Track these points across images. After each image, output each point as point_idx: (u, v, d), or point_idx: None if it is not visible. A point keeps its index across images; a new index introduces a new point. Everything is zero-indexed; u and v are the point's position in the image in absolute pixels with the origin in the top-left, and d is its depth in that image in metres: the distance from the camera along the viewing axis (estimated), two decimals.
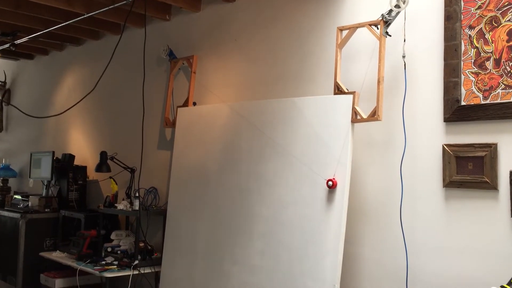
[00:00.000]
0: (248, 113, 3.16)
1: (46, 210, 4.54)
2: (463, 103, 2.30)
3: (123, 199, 3.98)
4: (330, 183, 2.54)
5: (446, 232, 2.33)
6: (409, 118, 2.48)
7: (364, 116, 2.54)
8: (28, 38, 4.51)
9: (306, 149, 2.76)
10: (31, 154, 5.02)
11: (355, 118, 2.57)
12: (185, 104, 3.70)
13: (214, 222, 3.22)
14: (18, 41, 4.61)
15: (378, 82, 2.49)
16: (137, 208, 3.72)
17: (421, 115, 2.45)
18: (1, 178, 5.68)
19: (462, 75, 2.31)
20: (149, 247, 3.77)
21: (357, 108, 2.57)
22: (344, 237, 2.52)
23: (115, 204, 3.98)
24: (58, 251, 4.22)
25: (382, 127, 2.60)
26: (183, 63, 3.85)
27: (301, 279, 2.64)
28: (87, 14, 3.91)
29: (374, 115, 2.50)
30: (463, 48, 2.32)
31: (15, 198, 4.98)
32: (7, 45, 4.64)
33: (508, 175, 2.16)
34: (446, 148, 2.33)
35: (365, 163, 2.67)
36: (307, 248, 2.65)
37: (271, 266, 2.80)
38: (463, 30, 2.32)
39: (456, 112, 2.31)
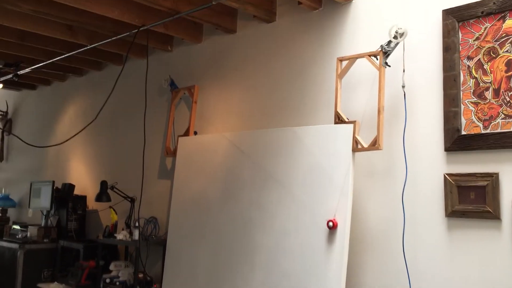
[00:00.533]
0: (249, 143, 3.17)
1: (44, 240, 4.49)
2: (463, 132, 2.31)
3: (122, 229, 3.95)
4: (331, 223, 2.53)
5: (449, 262, 2.31)
6: (410, 147, 2.49)
7: (365, 145, 2.55)
8: (31, 69, 4.57)
9: (307, 178, 2.76)
10: (31, 184, 5.01)
11: (356, 147, 2.58)
12: (186, 133, 3.72)
13: (215, 252, 3.18)
14: (21, 72, 4.67)
15: (378, 111, 2.51)
16: (136, 238, 3.69)
17: (422, 144, 2.46)
18: (0, 208, 5.65)
19: (461, 104, 2.33)
20: (149, 278, 3.72)
21: (358, 137, 2.58)
22: (346, 264, 2.50)
23: (115, 234, 3.94)
24: (56, 282, 4.16)
25: (383, 156, 2.61)
26: (184, 93, 3.89)
27: None
28: (90, 45, 3.98)
29: (375, 144, 2.51)
30: (462, 78, 2.35)
31: (13, 228, 4.94)
32: (10, 76, 4.69)
33: (511, 205, 2.15)
34: (448, 177, 2.33)
35: (366, 191, 2.67)
36: (309, 278, 2.61)
37: None
38: (462, 60, 2.35)
39: (456, 141, 2.32)
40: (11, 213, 5.78)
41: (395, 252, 2.49)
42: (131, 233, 3.82)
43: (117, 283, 3.75)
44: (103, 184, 4.13)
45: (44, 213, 4.80)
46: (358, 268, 2.63)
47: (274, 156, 2.97)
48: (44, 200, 4.72)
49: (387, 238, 2.54)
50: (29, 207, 5.00)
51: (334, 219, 2.53)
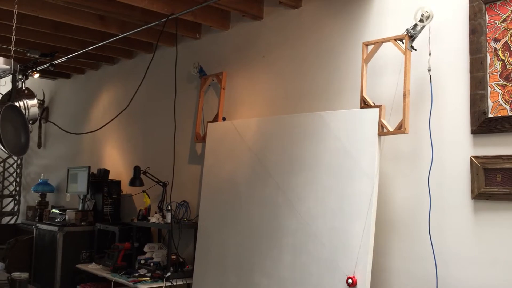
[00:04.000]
0: (276, 128, 3.23)
1: (82, 223, 4.69)
2: (490, 115, 2.31)
3: (155, 213, 4.09)
4: (350, 281, 2.53)
5: (475, 244, 2.33)
6: (436, 130, 2.50)
7: (391, 129, 2.57)
8: (66, 58, 4.72)
9: (334, 163, 2.80)
10: (68, 170, 5.21)
11: (382, 131, 2.60)
12: (215, 119, 3.80)
13: (244, 234, 3.28)
14: (57, 61, 4.83)
15: (404, 95, 2.53)
16: (169, 221, 3.82)
17: (448, 127, 2.46)
18: (40, 193, 5.90)
19: (488, 87, 2.32)
20: (181, 260, 3.85)
21: (384, 121, 2.60)
22: (372, 249, 2.55)
23: (148, 218, 4.09)
24: (93, 263, 4.35)
25: (409, 140, 2.62)
26: (213, 80, 3.96)
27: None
28: (121, 34, 4.09)
29: (400, 128, 2.53)
30: (488, 60, 2.33)
31: (52, 212, 5.17)
32: (46, 65, 4.87)
33: None
34: (474, 160, 2.33)
35: (392, 175, 2.69)
36: (336, 260, 2.67)
37: (301, 279, 2.84)
38: (488, 43, 2.33)
39: (483, 124, 2.31)
40: (50, 197, 6.03)
41: (421, 235, 2.51)
42: (163, 217, 3.95)
43: (151, 264, 3.90)
44: (136, 169, 4.27)
45: (81, 198, 5.00)
46: (384, 251, 2.67)
47: (300, 141, 3.03)
48: (81, 185, 4.92)
49: (413, 221, 2.57)
50: (66, 191, 5.22)
51: (354, 276, 2.52)
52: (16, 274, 2.47)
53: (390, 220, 2.68)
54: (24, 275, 2.48)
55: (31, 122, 2.99)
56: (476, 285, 2.30)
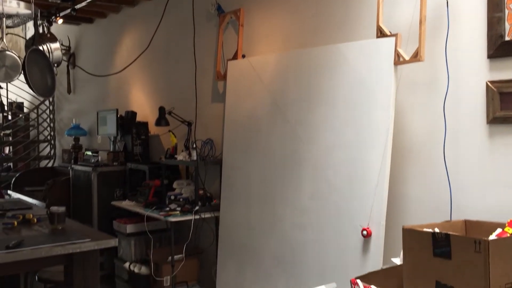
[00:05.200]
0: (294, 62, 3.25)
1: (114, 163, 4.91)
2: (507, 38, 2.26)
3: (182, 151, 4.24)
4: (365, 232, 2.63)
5: (490, 168, 2.36)
6: (452, 56, 2.48)
7: (407, 58, 2.57)
8: (87, 2, 4.76)
9: (351, 95, 2.83)
10: (97, 113, 5.39)
11: (398, 60, 2.60)
12: (235, 57, 3.83)
13: (266, 168, 3.39)
14: (78, 6, 4.88)
15: (420, 22, 2.49)
16: (195, 158, 3.96)
17: (465, 52, 2.44)
18: (73, 137, 6.15)
19: (506, 9, 2.27)
20: (208, 194, 4.03)
21: (400, 50, 2.59)
22: (388, 176, 2.62)
23: (175, 156, 4.25)
24: (127, 200, 4.60)
25: (425, 68, 2.61)
26: (231, 17, 3.95)
27: (348, 218, 2.78)
28: None
29: (416, 56, 2.52)
30: None
31: (86, 154, 5.41)
32: (68, 10, 4.93)
33: None
34: (490, 85, 2.32)
35: (408, 104, 2.71)
36: (354, 189, 2.77)
37: (320, 207, 2.96)
38: None
39: (500, 47, 2.28)
40: (83, 141, 6.28)
41: (436, 162, 2.56)
42: (190, 154, 4.09)
43: (181, 200, 4.09)
44: (161, 110, 4.39)
45: (112, 139, 5.19)
46: (400, 179, 2.74)
47: (318, 74, 3.05)
48: (110, 127, 5.10)
49: (428, 149, 2.61)
50: (97, 134, 5.42)
51: (368, 227, 2.62)
52: (54, 208, 2.66)
53: (406, 149, 2.72)
54: (62, 208, 2.66)
55: (55, 65, 3.09)
56: (490, 210, 2.36)
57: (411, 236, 1.52)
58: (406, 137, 2.72)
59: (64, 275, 2.46)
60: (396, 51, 2.60)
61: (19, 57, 2.65)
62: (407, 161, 2.72)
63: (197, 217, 3.83)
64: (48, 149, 7.14)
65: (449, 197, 2.49)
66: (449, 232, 1.45)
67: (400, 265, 1.92)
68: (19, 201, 3.66)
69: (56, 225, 2.65)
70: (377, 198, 2.63)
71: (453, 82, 2.48)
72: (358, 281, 1.63)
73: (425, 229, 1.52)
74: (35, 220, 2.83)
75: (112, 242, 2.48)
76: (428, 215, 2.59)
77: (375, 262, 2.60)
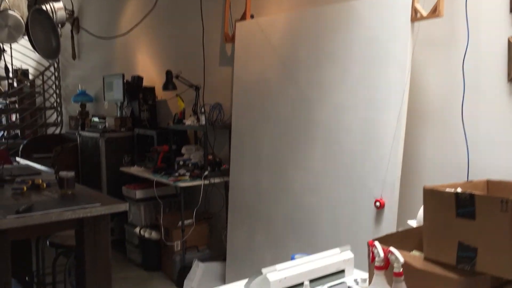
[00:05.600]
0: (305, 21, 3.13)
1: (121, 129, 4.87)
2: None
3: (190, 116, 4.18)
4: (378, 203, 2.57)
5: (509, 128, 2.28)
6: (473, 11, 2.36)
7: (425, 14, 2.45)
8: None
9: (365, 53, 2.73)
10: (103, 78, 5.31)
11: (415, 16, 2.48)
12: (243, 17, 3.71)
13: (277, 131, 3.33)
14: None
15: None
16: (203, 123, 3.90)
17: (485, 7, 2.32)
18: (80, 103, 6.10)
19: None
20: (217, 159, 3.99)
21: (417, 5, 2.48)
22: (403, 139, 2.55)
23: (183, 121, 4.19)
24: (135, 165, 4.57)
25: (443, 24, 2.50)
26: None
27: (362, 181, 2.72)
28: None
29: (435, 12, 2.41)
30: None
31: (93, 120, 5.36)
32: None
33: None
34: None
35: (426, 62, 2.61)
36: (368, 151, 2.70)
37: (333, 170, 2.90)
38: None
39: None
40: (89, 107, 6.23)
41: (454, 122, 2.48)
42: (198, 119, 4.03)
43: (190, 165, 4.06)
44: (168, 74, 4.31)
45: (118, 105, 5.13)
46: (415, 141, 2.67)
47: (330, 33, 2.94)
48: (117, 93, 5.03)
49: (446, 108, 2.53)
50: (104, 100, 5.36)
51: (381, 199, 2.57)
52: (63, 173, 2.63)
53: (422, 110, 2.64)
54: (71, 173, 2.63)
55: (59, 25, 3.00)
56: (508, 170, 2.30)
57: (433, 197, 1.47)
58: (422, 97, 2.64)
59: (75, 240, 2.45)
60: (413, 6, 2.48)
61: (21, 17, 2.56)
62: (423, 122, 2.64)
63: (206, 182, 3.80)
64: (54, 116, 7.11)
65: (466, 158, 2.42)
66: (473, 192, 1.39)
67: (417, 228, 1.87)
68: (28, 167, 3.64)
69: (66, 190, 2.62)
70: (392, 162, 2.57)
71: (473, 39, 2.37)
72: (376, 243, 1.58)
73: (447, 189, 1.46)
74: (45, 185, 2.81)
75: (123, 207, 2.45)
76: (444, 177, 2.53)
77: (389, 223, 2.56)
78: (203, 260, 3.84)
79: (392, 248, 1.54)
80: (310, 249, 3.02)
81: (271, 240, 3.35)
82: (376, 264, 1.57)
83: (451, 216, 1.43)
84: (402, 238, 1.77)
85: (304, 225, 3.09)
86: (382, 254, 1.56)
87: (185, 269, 3.77)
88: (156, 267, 4.14)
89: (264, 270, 1.86)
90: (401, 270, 1.51)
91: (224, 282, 3.67)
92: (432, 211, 1.49)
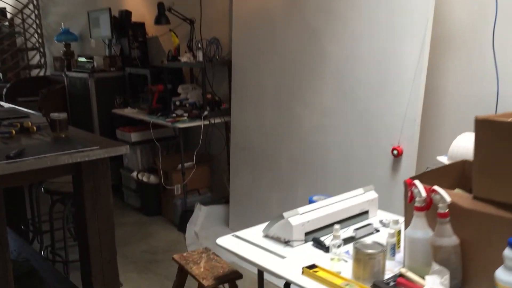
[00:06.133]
0: None
1: (111, 69, 4.59)
2: None
3: (185, 52, 3.91)
4: (396, 151, 2.42)
5: None
6: None
7: None
8: None
9: None
10: (88, 14, 4.95)
11: None
12: None
13: (283, 65, 3.09)
14: None
15: None
16: (201, 59, 3.64)
17: None
18: (64, 43, 5.73)
19: None
20: (217, 98, 3.77)
21: None
22: (426, 70, 2.34)
23: (178, 58, 3.92)
24: (129, 107, 4.33)
25: None
26: None
27: (379, 117, 2.54)
28: None
29: None
30: None
31: (80, 60, 5.04)
32: None
33: None
34: None
35: None
36: (385, 84, 2.50)
37: (346, 107, 2.71)
38: None
39: None
40: (74, 47, 5.86)
41: (483, 51, 2.27)
42: (194, 56, 3.77)
43: (187, 105, 3.84)
44: (160, 6, 3.99)
45: (106, 43, 4.81)
46: (439, 71, 2.46)
47: None
48: (104, 29, 4.70)
49: (474, 35, 2.31)
50: (90, 37, 5.02)
51: (399, 146, 2.40)
52: (54, 115, 2.39)
53: (446, 38, 2.42)
54: (63, 115, 2.40)
55: None
56: None
57: (488, 128, 1.29)
58: (447, 25, 2.41)
59: (73, 186, 2.26)
60: None
61: None
62: (447, 51, 2.43)
63: (206, 122, 3.60)
64: (38, 57, 6.74)
65: (495, 91, 2.23)
66: None
67: (452, 164, 1.71)
68: (14, 109, 3.39)
69: (59, 133, 2.40)
70: (413, 93, 2.37)
71: None
72: (417, 181, 1.42)
73: (501, 119, 1.29)
74: (35, 128, 2.58)
75: (123, 149, 2.26)
76: (469, 109, 2.36)
77: (406, 171, 2.41)
78: (205, 203, 3.71)
79: (436, 187, 1.38)
80: (320, 192, 2.88)
81: (276, 183, 3.19)
82: (416, 204, 1.41)
83: (507, 147, 1.26)
84: (438, 176, 1.60)
85: (312, 167, 2.92)
86: (424, 194, 1.40)
87: (187, 213, 3.64)
88: (156, 211, 4.01)
89: (285, 214, 1.71)
90: (447, 210, 1.36)
91: (227, 225, 3.56)
92: (486, 144, 1.31)
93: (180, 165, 3.65)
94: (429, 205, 1.41)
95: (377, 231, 1.79)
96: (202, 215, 3.60)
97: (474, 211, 1.32)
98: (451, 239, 1.34)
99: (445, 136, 2.45)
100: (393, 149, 2.44)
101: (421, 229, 1.41)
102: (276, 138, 3.18)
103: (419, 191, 1.41)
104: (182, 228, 3.61)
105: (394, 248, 1.56)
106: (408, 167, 2.39)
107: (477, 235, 1.31)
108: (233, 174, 3.55)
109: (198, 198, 3.82)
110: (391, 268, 1.47)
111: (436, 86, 2.48)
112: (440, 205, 1.36)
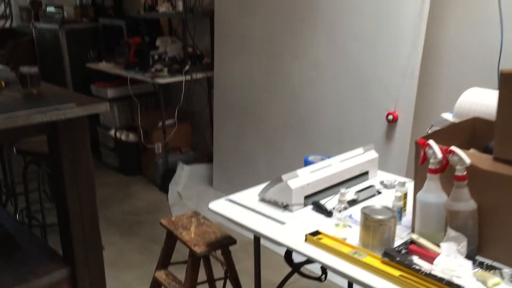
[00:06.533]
0: None
1: (83, 19, 4.29)
2: None
3: (163, 2, 3.64)
4: (391, 116, 2.33)
5: None
6: None
7: None
8: None
9: None
10: None
11: None
12: None
13: (271, 14, 2.90)
14: None
15: None
16: (181, 9, 3.40)
17: None
18: None
19: None
20: (198, 52, 3.56)
21: None
22: (426, 21, 2.20)
23: (156, 8, 3.66)
24: (103, 61, 4.08)
25: None
26: None
27: (374, 71, 2.40)
28: None
29: None
30: None
31: (49, 11, 4.70)
32: None
33: None
34: None
35: None
36: (381, 35, 2.35)
37: (338, 60, 2.56)
38: None
39: None
40: None
41: (486, 2, 2.13)
42: (173, 6, 3.52)
43: (166, 59, 3.63)
44: None
45: None
46: (436, 24, 2.32)
47: None
48: None
49: None
50: None
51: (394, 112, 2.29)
52: (24, 69, 2.17)
53: None
54: (34, 68, 2.18)
55: None
56: None
57: None
58: None
59: (48, 146, 2.08)
60: None
61: None
62: (447, 1, 2.28)
63: (188, 78, 3.41)
64: (2, 7, 6.29)
65: (499, 40, 2.11)
66: None
67: (459, 123, 1.60)
68: None
69: (30, 89, 2.18)
70: (410, 45, 2.23)
71: None
72: (432, 142, 1.30)
73: None
74: (3, 83, 2.35)
75: (102, 107, 2.06)
76: (469, 61, 2.25)
77: (402, 137, 2.30)
78: (187, 162, 3.57)
79: (454, 148, 1.27)
80: (310, 152, 2.76)
81: (263, 140, 3.06)
82: (431, 166, 1.30)
83: None
84: (448, 136, 1.49)
85: (303, 123, 2.79)
86: (440, 155, 1.29)
87: (169, 172, 3.50)
88: (136, 171, 3.85)
89: (284, 177, 1.58)
90: (465, 173, 1.25)
91: (211, 185, 3.44)
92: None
93: (160, 123, 3.48)
94: (444, 167, 1.30)
95: (379, 193, 1.69)
96: (184, 174, 3.47)
97: (495, 173, 1.22)
98: (468, 204, 1.25)
99: (444, 92, 2.35)
100: (388, 114, 2.34)
101: (434, 193, 1.31)
102: (263, 93, 3.02)
103: (434, 152, 1.30)
104: (164, 188, 3.48)
105: (400, 212, 1.46)
106: (405, 127, 2.29)
107: (497, 199, 1.22)
108: (216, 131, 3.40)
109: (180, 157, 3.67)
110: (399, 234, 1.37)
111: (436, 36, 2.34)
112: (458, 167, 1.25)
